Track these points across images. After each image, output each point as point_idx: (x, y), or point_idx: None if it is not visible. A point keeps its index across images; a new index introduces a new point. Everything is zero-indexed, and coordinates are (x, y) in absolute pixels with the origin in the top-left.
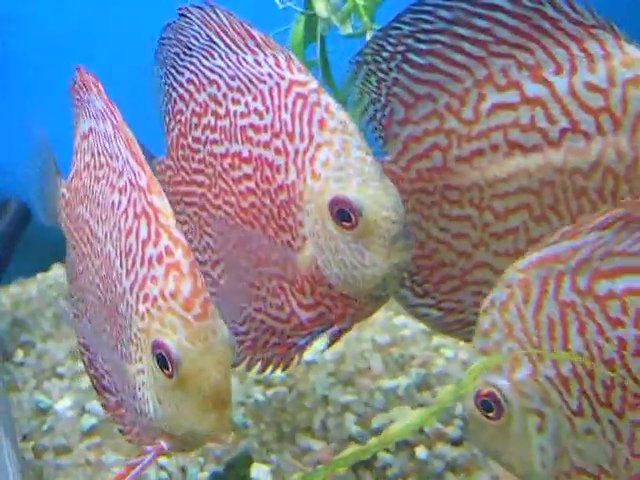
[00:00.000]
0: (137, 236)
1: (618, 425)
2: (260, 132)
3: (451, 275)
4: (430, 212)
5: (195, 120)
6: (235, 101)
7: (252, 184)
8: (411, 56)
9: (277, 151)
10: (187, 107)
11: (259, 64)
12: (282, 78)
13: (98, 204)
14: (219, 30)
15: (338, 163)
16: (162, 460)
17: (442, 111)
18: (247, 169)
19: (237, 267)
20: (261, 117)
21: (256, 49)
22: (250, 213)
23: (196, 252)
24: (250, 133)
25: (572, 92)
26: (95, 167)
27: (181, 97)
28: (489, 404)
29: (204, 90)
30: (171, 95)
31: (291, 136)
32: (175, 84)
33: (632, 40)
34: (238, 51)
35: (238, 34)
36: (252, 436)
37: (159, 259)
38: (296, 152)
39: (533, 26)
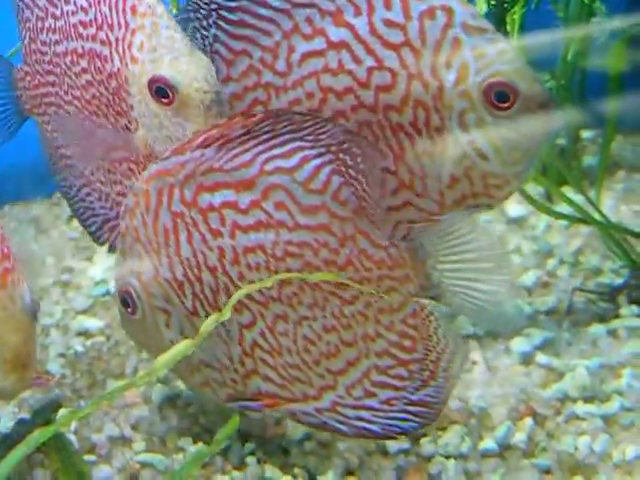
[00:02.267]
0: None
1: (227, 326)
2: (87, 27)
3: None
4: None
5: (40, 24)
6: (66, 1)
7: (89, 77)
8: (224, 13)
9: (102, 42)
10: (32, 14)
11: None
12: None
13: None
14: None
15: (151, 45)
16: None
17: (258, 66)
18: (83, 63)
19: (93, 157)
20: (86, 13)
21: None
22: (94, 104)
23: (62, 148)
24: (80, 29)
25: (372, 31)
26: None
27: (27, 5)
28: (127, 301)
29: None
30: (19, 4)
31: (111, 26)
32: None
33: None
34: None
35: None
36: (66, 385)
37: None
38: (117, 41)
39: None
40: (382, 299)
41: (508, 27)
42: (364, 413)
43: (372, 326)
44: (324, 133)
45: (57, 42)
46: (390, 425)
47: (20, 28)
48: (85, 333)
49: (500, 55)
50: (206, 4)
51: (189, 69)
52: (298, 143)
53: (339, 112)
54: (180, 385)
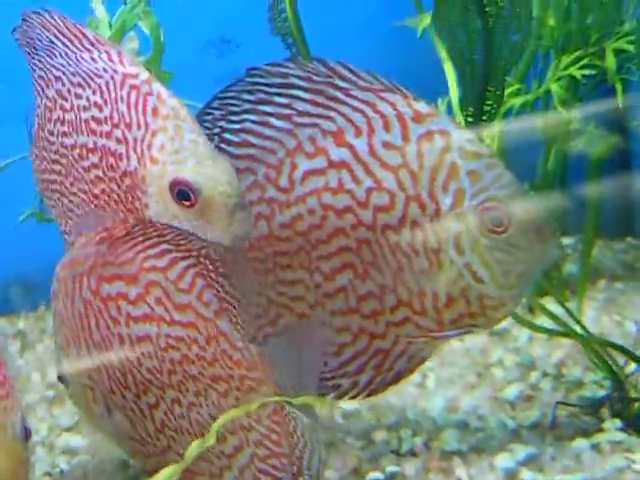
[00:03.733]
0: None
1: (140, 405)
2: (101, 124)
3: None
4: (267, 278)
5: (48, 114)
6: (78, 96)
7: (100, 172)
8: (227, 136)
9: (118, 141)
10: (41, 102)
11: (94, 60)
12: (116, 72)
13: None
14: (56, 32)
15: (173, 147)
16: None
17: (262, 182)
18: (94, 159)
19: None
20: (101, 110)
21: (90, 47)
22: (102, 199)
23: (64, 235)
24: (93, 125)
25: (372, 152)
26: None
27: (37, 92)
28: (61, 378)
29: (52, 86)
30: (32, 90)
31: (129, 126)
32: (33, 79)
33: (419, 98)
34: (75, 50)
35: (73, 34)
36: None
37: None
38: (135, 140)
39: (328, 97)
40: (248, 394)
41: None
42: None
43: (245, 418)
44: (184, 239)
45: (65, 134)
46: None
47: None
48: (70, 451)
49: (495, 180)
50: (208, 129)
51: (213, 173)
52: (166, 246)
53: (339, 229)
54: None
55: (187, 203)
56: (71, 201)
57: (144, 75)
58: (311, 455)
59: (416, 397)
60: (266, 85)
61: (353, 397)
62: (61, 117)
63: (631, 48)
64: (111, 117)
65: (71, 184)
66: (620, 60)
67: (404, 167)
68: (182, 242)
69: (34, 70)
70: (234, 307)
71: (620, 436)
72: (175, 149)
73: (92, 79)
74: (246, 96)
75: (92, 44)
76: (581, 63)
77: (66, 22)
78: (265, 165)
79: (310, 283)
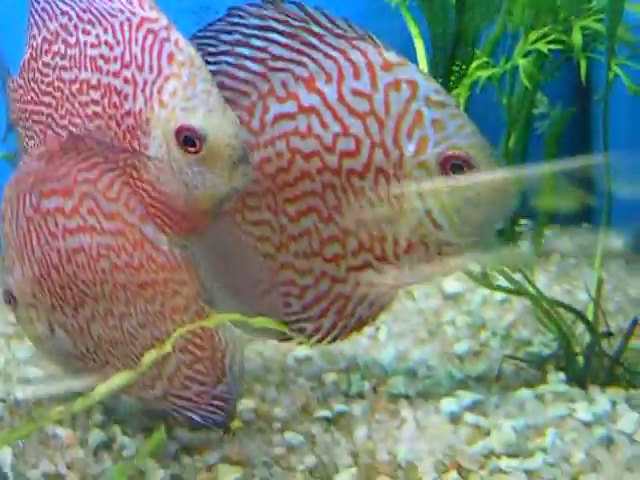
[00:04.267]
0: None
1: (78, 320)
2: (110, 62)
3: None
4: (235, 218)
5: (46, 46)
6: (86, 32)
7: (99, 109)
8: None
9: (126, 81)
10: (39, 33)
11: (111, 0)
12: (133, 14)
13: None
14: None
15: (185, 94)
16: None
17: None
18: (95, 95)
19: None
20: (111, 49)
21: None
22: (97, 134)
23: None
24: (100, 63)
25: (341, 99)
26: None
27: (35, 23)
28: (8, 298)
29: (56, 19)
30: (29, 21)
31: (141, 68)
32: (32, 10)
33: (390, 47)
34: None
35: None
36: (6, 427)
37: None
38: (145, 82)
39: (303, 42)
40: (173, 299)
41: None
42: (186, 403)
43: (170, 324)
44: (111, 151)
45: (65, 68)
46: (206, 416)
47: (25, 42)
48: (26, 381)
49: (459, 129)
50: None
51: (221, 124)
52: (95, 159)
53: (305, 173)
54: (116, 430)
55: (192, 149)
56: (57, 134)
57: (164, 21)
58: (232, 357)
59: (368, 347)
60: (244, 26)
61: (318, 341)
62: (62, 51)
63: (598, 26)
64: (122, 57)
65: (61, 117)
66: (587, 40)
67: (371, 114)
68: (110, 154)
69: (37, 1)
70: (160, 212)
71: (563, 388)
72: (187, 96)
73: (105, 17)
74: (224, 37)
75: None
76: (548, 39)
77: None
78: (238, 107)
79: (275, 225)
